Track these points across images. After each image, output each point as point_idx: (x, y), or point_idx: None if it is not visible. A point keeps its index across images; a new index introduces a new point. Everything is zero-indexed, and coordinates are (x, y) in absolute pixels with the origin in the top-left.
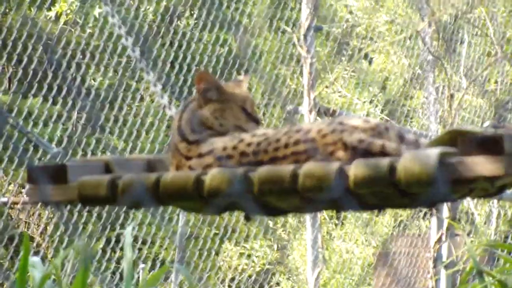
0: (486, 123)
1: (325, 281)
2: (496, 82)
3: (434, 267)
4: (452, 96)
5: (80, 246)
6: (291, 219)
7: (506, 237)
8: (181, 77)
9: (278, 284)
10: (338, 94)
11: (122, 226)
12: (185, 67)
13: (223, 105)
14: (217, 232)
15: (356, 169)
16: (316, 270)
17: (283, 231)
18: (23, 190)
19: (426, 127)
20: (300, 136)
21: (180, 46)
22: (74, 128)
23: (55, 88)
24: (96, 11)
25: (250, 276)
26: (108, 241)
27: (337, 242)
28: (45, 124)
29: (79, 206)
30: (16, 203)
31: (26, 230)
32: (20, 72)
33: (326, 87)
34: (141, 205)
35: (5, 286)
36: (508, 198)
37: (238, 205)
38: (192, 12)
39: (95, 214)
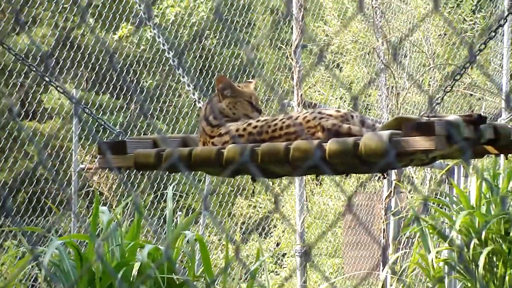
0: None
1: (308, 224)
2: (429, 84)
3: (385, 214)
4: (398, 94)
5: (135, 199)
6: (284, 180)
7: (436, 194)
8: (206, 80)
9: (275, 226)
10: (318, 93)
11: (165, 185)
12: (210, 73)
13: (235, 100)
14: (232, 189)
15: (331, 145)
16: (302, 217)
17: (278, 188)
18: (95, 160)
19: (380, 116)
20: (290, 121)
21: (206, 58)
22: (131, 116)
23: (118, 87)
24: (148, 34)
25: (255, 221)
26: (155, 195)
27: (317, 197)
28: (111, 113)
29: (134, 170)
30: (91, 169)
31: (97, 187)
32: (94, 76)
33: (309, 87)
34: (178, 170)
35: (82, 227)
36: (437, 166)
37: (247, 171)
38: (215, 34)
39: (146, 176)
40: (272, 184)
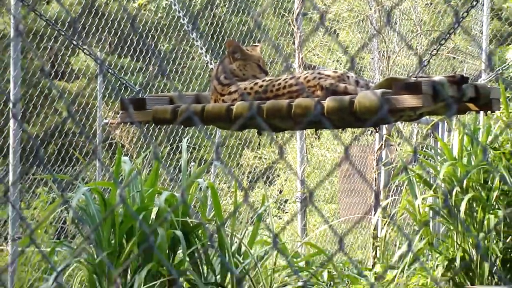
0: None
1: (307, 174)
2: (416, 48)
3: (377, 165)
4: (389, 57)
5: (154, 149)
6: (287, 134)
7: (422, 146)
8: (217, 44)
9: (278, 175)
10: (317, 56)
11: (180, 138)
12: (220, 38)
13: (244, 62)
14: (240, 142)
15: (329, 102)
16: (302, 167)
17: (281, 141)
18: (118, 115)
19: (372, 77)
20: (293, 81)
21: (217, 24)
22: (149, 76)
23: (138, 50)
24: (164, 2)
25: (260, 171)
26: (171, 147)
27: (316, 149)
28: (132, 73)
29: (153, 125)
30: (113, 123)
31: (119, 140)
32: (116, 40)
33: (309, 51)
34: (192, 124)
35: (106, 175)
36: (424, 122)
37: (253, 125)
38: (225, 3)
39: (163, 130)
40: (276, 137)
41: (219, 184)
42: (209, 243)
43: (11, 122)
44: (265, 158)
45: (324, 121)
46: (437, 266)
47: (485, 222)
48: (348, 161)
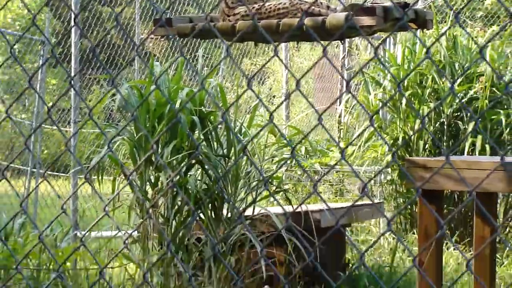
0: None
1: (289, 76)
2: None
3: (341, 69)
4: None
5: (180, 52)
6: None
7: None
8: None
9: (268, 77)
10: None
11: (197, 49)
12: None
13: None
14: (240, 52)
15: (307, 22)
16: (286, 72)
17: (270, 51)
18: (151, 31)
19: (339, 4)
20: (280, 6)
21: None
22: (174, 2)
23: None
24: None
25: (255, 74)
26: (190, 56)
27: (297, 59)
28: (161, 2)
29: (177, 38)
30: (147, 37)
31: (153, 49)
32: None
33: None
34: (206, 37)
35: (142, 76)
36: (376, 37)
37: (251, 38)
38: None
39: (185, 41)
40: (268, 48)
41: (225, 83)
42: (218, 126)
43: (73, 34)
44: (259, 64)
45: (303, 35)
46: (384, 144)
47: (420, 112)
48: (321, 66)
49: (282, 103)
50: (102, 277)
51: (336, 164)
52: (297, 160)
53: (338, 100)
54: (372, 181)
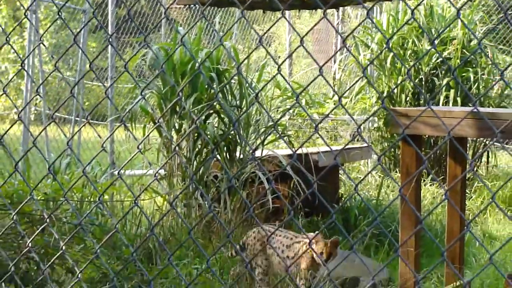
0: None
1: (292, 39)
2: None
3: (336, 34)
4: None
5: (199, 24)
6: (278, 14)
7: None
8: None
9: (274, 41)
10: None
11: (215, 16)
12: None
13: None
14: (250, 19)
15: None
16: (289, 36)
17: (276, 20)
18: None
19: None
20: None
21: None
22: None
23: None
24: None
25: (262, 37)
26: (209, 21)
27: (298, 25)
28: None
29: (197, 6)
30: (172, 4)
31: (176, 17)
32: None
33: None
34: (221, 5)
35: (167, 40)
36: (365, 7)
37: (259, 6)
38: None
39: (203, 9)
40: (274, 16)
41: (237, 45)
42: (232, 80)
43: (109, 3)
44: (264, 29)
45: (304, 4)
46: (372, 97)
47: (402, 70)
48: (314, 32)
49: (288, 56)
50: (136, 205)
51: (331, 112)
52: (302, 106)
53: (333, 59)
54: (362, 127)
